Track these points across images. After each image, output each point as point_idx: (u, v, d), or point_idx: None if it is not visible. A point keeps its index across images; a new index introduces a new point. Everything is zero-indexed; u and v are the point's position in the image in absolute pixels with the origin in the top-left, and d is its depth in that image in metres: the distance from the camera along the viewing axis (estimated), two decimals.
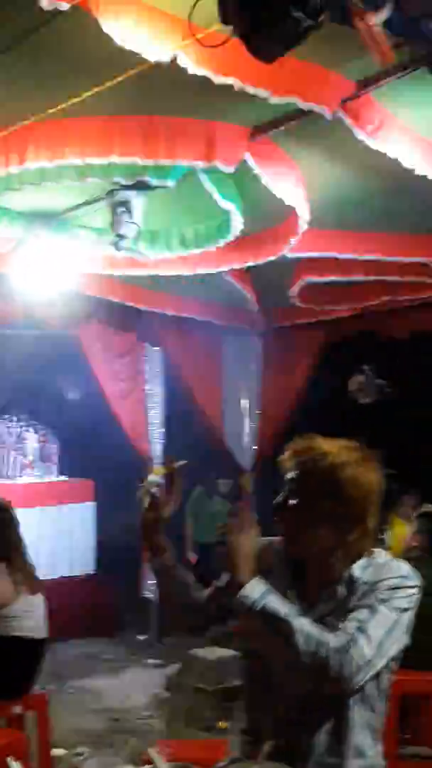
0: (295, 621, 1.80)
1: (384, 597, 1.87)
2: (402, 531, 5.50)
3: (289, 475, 1.96)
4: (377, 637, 1.82)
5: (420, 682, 4.12)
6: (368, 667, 1.79)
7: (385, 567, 1.93)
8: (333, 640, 1.79)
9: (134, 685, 5.84)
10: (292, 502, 1.94)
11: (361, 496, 1.92)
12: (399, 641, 1.89)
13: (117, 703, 5.52)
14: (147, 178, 3.24)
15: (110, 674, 6.16)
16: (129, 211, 3.48)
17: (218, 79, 2.49)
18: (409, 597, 1.92)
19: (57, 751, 4.48)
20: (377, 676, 1.87)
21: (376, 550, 1.97)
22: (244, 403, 7.23)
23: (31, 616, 4.05)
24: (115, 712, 5.34)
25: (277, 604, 1.83)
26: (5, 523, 4.12)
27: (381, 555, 1.96)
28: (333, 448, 1.97)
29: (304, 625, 1.80)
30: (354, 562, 1.92)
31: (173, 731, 4.93)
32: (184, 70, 2.46)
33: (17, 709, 4.00)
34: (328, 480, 1.92)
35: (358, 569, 1.91)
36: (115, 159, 2.94)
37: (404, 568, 1.94)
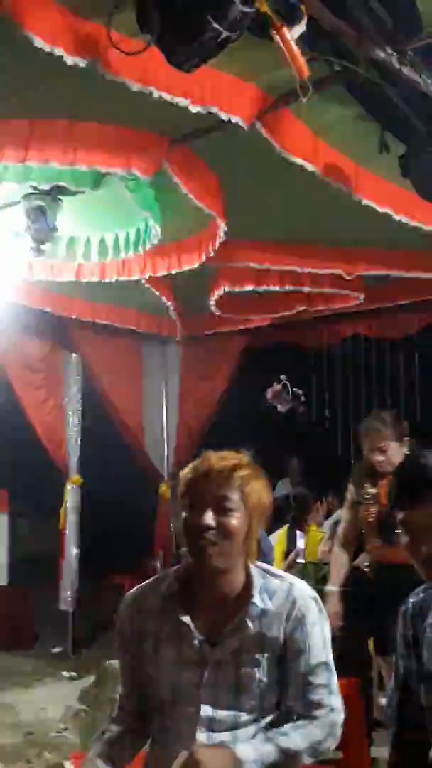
0: (289, 745, 1.87)
1: (317, 636, 1.94)
2: (316, 537, 5.59)
3: (223, 491, 1.92)
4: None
5: (341, 685, 4.17)
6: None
7: (290, 594, 1.94)
8: (319, 727, 1.91)
9: (49, 698, 5.73)
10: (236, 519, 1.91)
11: (261, 509, 1.95)
12: None
13: (32, 716, 5.41)
14: (64, 184, 3.21)
15: (25, 687, 6.03)
16: (46, 216, 3.45)
17: (137, 87, 2.49)
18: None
19: None
20: None
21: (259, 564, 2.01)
22: (164, 411, 7.23)
23: None
24: (30, 726, 5.23)
25: (266, 751, 1.86)
26: None
27: (270, 572, 1.99)
28: (240, 460, 1.98)
29: (296, 743, 1.88)
30: (248, 577, 1.95)
31: (89, 744, 4.86)
32: (103, 77, 2.46)
33: None
34: (242, 494, 1.92)
35: (259, 597, 1.93)
36: (33, 163, 2.91)
37: (306, 590, 1.98)
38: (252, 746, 1.85)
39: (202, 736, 1.91)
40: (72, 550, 6.85)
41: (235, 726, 1.92)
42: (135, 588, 2.11)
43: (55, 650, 6.85)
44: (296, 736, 1.88)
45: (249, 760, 1.81)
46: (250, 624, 1.92)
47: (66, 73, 2.54)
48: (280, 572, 2.04)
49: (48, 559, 7.04)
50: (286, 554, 5.53)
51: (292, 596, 1.95)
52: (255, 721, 1.93)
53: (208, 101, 2.69)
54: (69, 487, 6.83)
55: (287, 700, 1.95)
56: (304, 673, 1.92)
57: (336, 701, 1.94)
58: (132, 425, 7.07)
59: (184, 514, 1.95)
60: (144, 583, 2.10)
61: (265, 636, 1.92)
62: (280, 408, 7.33)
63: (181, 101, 2.63)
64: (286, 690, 1.94)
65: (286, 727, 1.90)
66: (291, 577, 2.01)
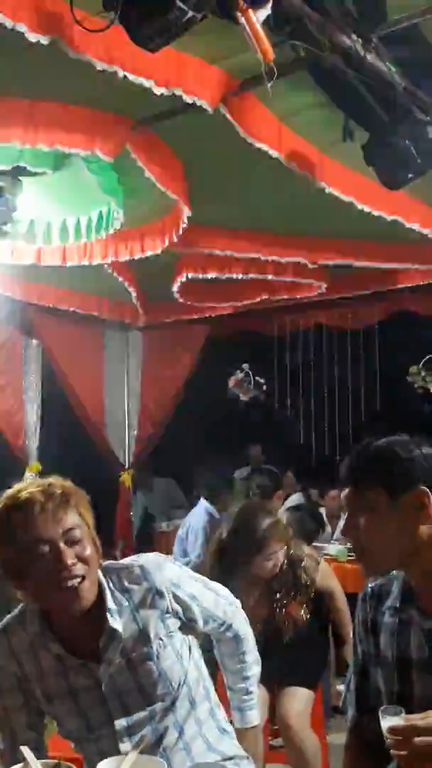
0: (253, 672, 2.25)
1: (184, 579, 2.04)
2: None
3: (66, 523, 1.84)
4: None
5: None
6: None
7: (144, 574, 1.95)
8: (243, 637, 2.25)
9: None
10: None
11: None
12: None
13: None
14: (26, 164, 3.16)
15: None
16: (6, 197, 3.38)
17: (100, 66, 2.45)
18: None
19: None
20: None
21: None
22: (126, 399, 7.19)
23: None
24: None
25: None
26: None
27: (114, 567, 1.98)
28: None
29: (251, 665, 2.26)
30: (99, 586, 1.91)
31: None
32: (66, 56, 2.41)
33: None
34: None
35: (112, 601, 1.92)
36: None
37: (150, 557, 2.03)
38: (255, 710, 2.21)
39: (125, 746, 1.90)
40: None
41: (152, 719, 1.94)
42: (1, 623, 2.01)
43: None
44: (248, 663, 2.22)
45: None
46: (119, 627, 1.89)
47: (28, 51, 2.50)
48: (124, 561, 2.01)
49: None
50: None
51: (146, 573, 1.94)
52: (170, 706, 1.96)
53: (172, 83, 2.66)
54: (28, 474, 6.75)
55: (213, 638, 2.18)
56: (206, 615, 2.05)
57: (229, 595, 2.16)
58: (93, 413, 7.01)
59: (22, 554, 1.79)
60: (9, 616, 2.01)
61: (143, 627, 1.92)
62: (242, 396, 7.34)
63: (145, 82, 2.59)
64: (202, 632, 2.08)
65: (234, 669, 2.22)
66: (137, 559, 2.00)
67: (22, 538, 1.79)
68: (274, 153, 3.08)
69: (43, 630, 1.93)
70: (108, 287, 5.48)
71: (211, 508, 5.97)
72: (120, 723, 1.93)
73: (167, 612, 1.95)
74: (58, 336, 6.54)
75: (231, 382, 7.46)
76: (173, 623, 1.97)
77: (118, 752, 1.91)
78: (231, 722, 2.22)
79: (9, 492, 1.87)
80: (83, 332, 6.67)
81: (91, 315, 6.27)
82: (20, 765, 1.85)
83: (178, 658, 1.97)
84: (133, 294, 5.46)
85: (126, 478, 7.25)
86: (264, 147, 3.05)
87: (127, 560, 2.02)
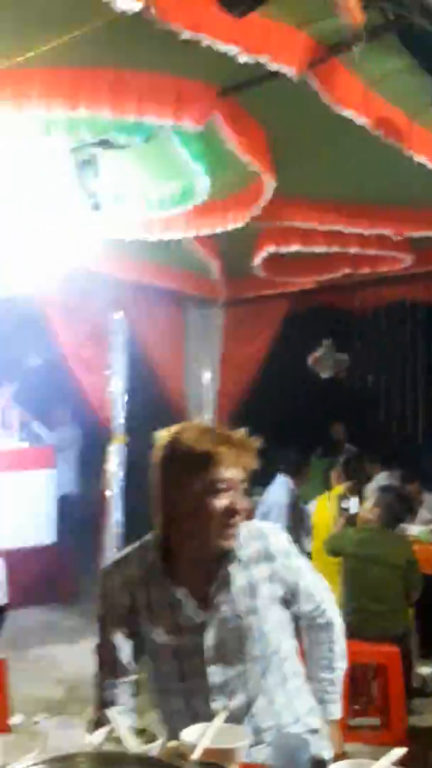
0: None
1: (296, 556, 2.18)
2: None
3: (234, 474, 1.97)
4: None
5: (368, 652, 4.18)
6: None
7: (260, 534, 2.12)
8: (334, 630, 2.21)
9: (91, 655, 5.82)
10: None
11: None
12: None
13: (75, 671, 5.51)
14: (113, 136, 3.17)
15: (68, 642, 6.15)
16: (94, 170, 3.41)
17: (186, 34, 2.43)
18: None
19: (15, 719, 4.47)
20: None
21: None
22: (206, 373, 7.21)
23: None
24: (74, 681, 5.33)
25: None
26: None
27: None
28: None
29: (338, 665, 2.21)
30: None
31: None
32: (152, 24, 2.40)
33: None
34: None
35: (238, 549, 2.10)
36: (82, 114, 2.87)
37: (266, 524, 2.19)
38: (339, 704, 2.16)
39: (216, 705, 1.94)
40: (116, 510, 6.91)
41: (245, 682, 1.99)
42: (113, 561, 2.14)
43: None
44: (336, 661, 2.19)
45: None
46: (234, 576, 1.99)
47: (115, 22, 2.49)
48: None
49: (95, 518, 7.11)
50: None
51: (263, 534, 2.06)
52: (263, 672, 2.01)
53: (258, 50, 2.61)
54: (113, 447, 6.87)
55: (300, 620, 2.15)
56: (307, 594, 2.10)
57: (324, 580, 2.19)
58: (174, 388, 7.07)
59: (198, 494, 1.95)
60: (122, 555, 2.13)
61: (253, 582, 2.01)
62: (322, 373, 7.27)
63: (231, 50, 2.56)
64: (299, 615, 2.12)
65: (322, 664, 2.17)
66: (250, 523, 2.10)
67: (211, 474, 1.93)
68: (360, 120, 3.01)
69: (159, 567, 2.03)
70: (190, 262, 5.48)
71: (290, 482, 5.96)
72: (213, 674, 1.97)
73: (274, 577, 2.03)
74: (141, 311, 6.60)
75: (311, 359, 7.39)
76: (277, 589, 2.04)
77: (208, 710, 1.96)
78: None
79: (202, 426, 2.07)
80: (166, 307, 6.71)
81: (174, 290, 6.29)
82: (106, 728, 1.89)
83: (278, 625, 2.04)
84: (215, 268, 5.45)
85: None
86: (350, 114, 2.98)
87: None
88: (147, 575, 2.03)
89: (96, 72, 2.87)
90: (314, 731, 2.11)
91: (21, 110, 2.87)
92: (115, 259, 5.58)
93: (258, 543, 2.04)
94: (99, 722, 2.01)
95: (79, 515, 7.83)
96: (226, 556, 2.00)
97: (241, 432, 2.01)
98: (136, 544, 2.13)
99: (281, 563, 2.04)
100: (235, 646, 1.99)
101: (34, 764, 1.40)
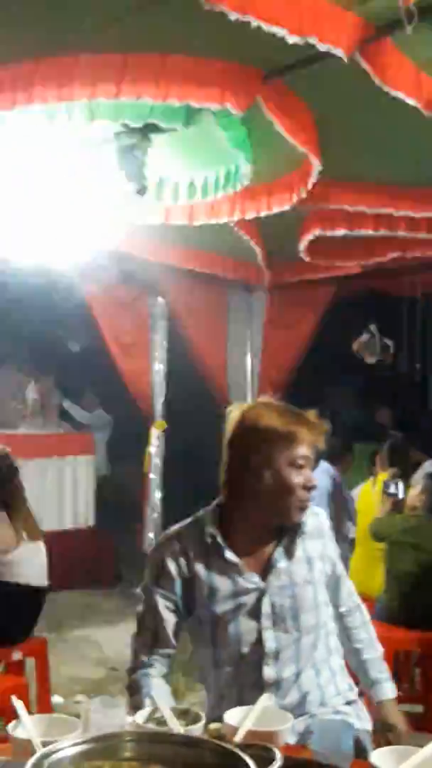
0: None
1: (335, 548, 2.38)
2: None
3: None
4: None
5: (411, 639, 4.15)
6: None
7: (316, 516, 2.29)
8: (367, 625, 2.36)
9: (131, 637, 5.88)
10: None
11: None
12: None
13: (115, 653, 5.56)
14: (156, 121, 3.15)
15: (108, 625, 6.22)
16: (137, 155, 3.40)
17: (233, 15, 2.40)
18: None
19: (56, 699, 4.53)
20: None
21: None
22: (248, 359, 7.19)
23: (32, 563, 4.07)
24: (113, 662, 5.39)
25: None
26: (5, 470, 4.14)
27: None
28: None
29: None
30: None
31: (169, 682, 4.98)
32: (198, 6, 2.37)
33: (17, 655, 4.03)
34: None
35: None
36: (126, 99, 2.86)
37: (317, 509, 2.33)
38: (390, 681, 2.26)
39: (268, 671, 2.01)
40: (156, 494, 6.95)
41: (298, 651, 2.09)
42: (173, 529, 2.21)
43: (137, 590, 6.99)
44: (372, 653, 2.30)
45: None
46: (294, 546, 2.13)
47: (160, 5, 2.48)
48: None
49: (134, 503, 7.16)
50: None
51: (318, 515, 2.23)
52: (313, 644, 2.11)
53: (307, 31, 2.56)
54: (153, 431, 6.90)
55: (340, 607, 2.26)
56: (343, 582, 2.26)
57: None
58: (216, 372, 7.06)
59: (281, 469, 2.08)
60: (178, 527, 2.21)
61: (310, 555, 2.14)
62: (367, 359, 7.19)
63: (279, 31, 2.52)
64: (337, 599, 2.24)
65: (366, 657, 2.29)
66: None
67: (293, 451, 2.09)
68: (411, 101, 2.95)
69: (219, 536, 2.13)
70: (233, 246, 5.45)
71: (332, 470, 5.92)
72: (268, 640, 2.05)
73: (324, 554, 2.19)
74: (183, 296, 6.60)
75: (355, 345, 7.32)
76: (326, 567, 2.19)
77: (259, 679, 2.06)
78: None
79: (280, 405, 2.19)
80: (208, 292, 6.69)
81: (216, 275, 6.27)
82: (148, 709, 1.90)
83: (325, 600, 2.16)
84: (259, 253, 5.41)
85: None
86: (401, 95, 2.92)
87: None
88: (204, 545, 2.13)
89: (140, 56, 2.85)
90: (353, 702, 2.22)
91: (66, 96, 2.87)
92: (158, 244, 5.58)
93: (314, 520, 2.19)
94: (132, 688, 2.17)
95: (116, 499, 7.90)
96: (291, 528, 2.13)
97: (313, 413, 2.16)
98: (191, 518, 2.22)
99: (329, 544, 2.21)
100: (291, 614, 2.09)
101: (79, 743, 1.41)
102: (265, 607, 2.08)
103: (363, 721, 2.20)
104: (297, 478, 2.09)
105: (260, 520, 2.14)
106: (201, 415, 7.29)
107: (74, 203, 4.29)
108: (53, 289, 6.60)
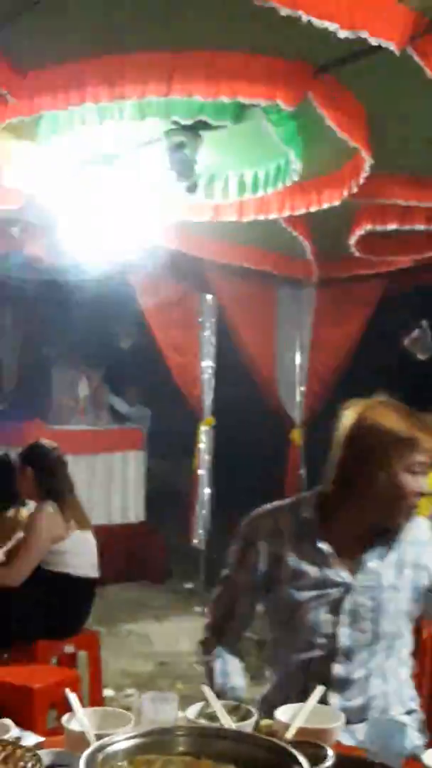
0: None
1: None
2: None
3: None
4: None
5: None
6: None
7: (419, 524, 2.28)
8: None
9: (181, 632, 5.93)
10: None
11: None
12: None
13: (165, 647, 5.61)
14: (206, 118, 3.16)
15: (158, 620, 6.27)
16: (187, 153, 3.41)
17: (284, 11, 2.39)
18: None
19: (107, 692, 4.59)
20: None
21: None
22: (297, 355, 7.16)
23: (82, 553, 4.14)
24: (163, 657, 5.43)
25: None
26: (53, 463, 4.21)
27: None
28: None
29: None
30: None
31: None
32: (248, 2, 2.37)
33: (70, 648, 4.08)
34: None
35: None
36: (176, 96, 2.87)
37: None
38: None
39: (337, 668, 2.00)
40: (205, 490, 6.97)
41: (370, 655, 2.07)
42: (268, 506, 2.20)
43: (187, 586, 7.04)
44: None
45: None
46: (390, 550, 2.11)
47: (210, 2, 2.48)
48: None
49: (182, 499, 7.20)
50: None
51: (418, 523, 2.17)
52: (385, 651, 2.09)
53: (358, 25, 2.54)
54: (202, 428, 6.92)
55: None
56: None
57: None
58: (265, 369, 7.05)
59: (397, 474, 2.07)
60: (273, 506, 2.19)
61: (402, 558, 2.11)
62: (419, 355, 7.11)
63: (330, 26, 2.50)
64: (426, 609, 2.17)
65: None
66: None
67: (411, 457, 2.08)
68: None
69: (315, 522, 2.13)
70: (282, 242, 5.43)
71: None
72: (343, 636, 2.04)
73: (419, 563, 2.15)
74: (232, 292, 6.60)
75: (406, 341, 7.25)
76: (420, 576, 2.15)
77: (327, 673, 2.05)
78: None
79: (400, 408, 2.17)
80: (257, 288, 6.68)
81: (265, 271, 6.25)
82: (200, 704, 1.92)
83: (407, 612, 2.13)
84: (308, 249, 5.38)
85: (296, 435, 7.26)
86: None
87: None
88: (298, 528, 2.13)
89: (190, 54, 2.86)
90: (413, 711, 2.18)
91: (117, 95, 2.89)
92: (207, 241, 5.59)
93: (413, 526, 2.16)
94: (204, 643, 2.25)
95: (163, 494, 7.95)
96: (390, 530, 2.13)
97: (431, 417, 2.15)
98: (289, 499, 2.25)
99: (426, 553, 2.16)
100: (371, 616, 2.07)
101: (133, 737, 1.42)
102: (347, 604, 2.08)
103: (420, 732, 2.17)
104: (411, 485, 2.08)
105: (363, 518, 2.15)
106: (250, 411, 7.31)
107: (125, 202, 4.32)
108: (104, 287, 6.65)
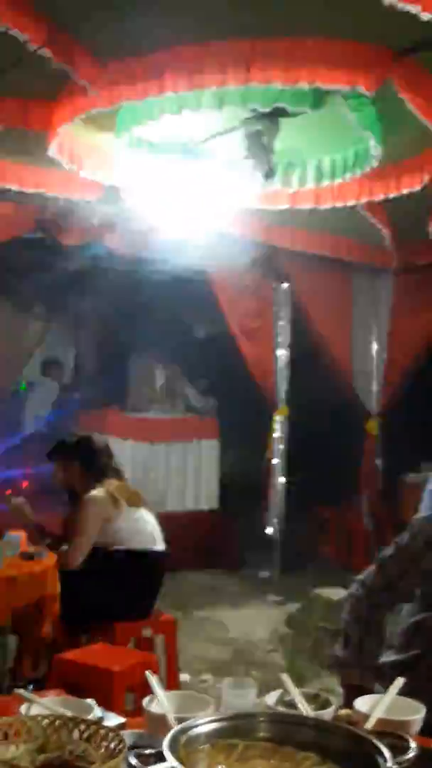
0: None
1: None
2: None
3: None
4: None
5: None
6: None
7: None
8: None
9: (256, 620, 5.95)
10: None
11: None
12: None
13: (239, 635, 5.64)
14: (284, 105, 3.14)
15: (233, 607, 6.30)
16: (265, 141, 3.40)
17: None
18: None
19: (183, 676, 4.64)
20: None
21: None
22: (373, 345, 7.07)
23: (139, 528, 4.20)
24: (239, 644, 5.46)
25: None
26: (95, 448, 4.29)
27: None
28: None
29: None
30: None
31: (296, 667, 5.00)
32: None
33: (147, 632, 4.14)
34: None
35: None
36: (255, 84, 2.86)
37: None
38: None
39: None
40: (279, 480, 6.97)
41: None
42: None
43: (262, 574, 7.05)
44: None
45: None
46: None
47: None
48: None
49: (255, 488, 7.21)
50: None
51: None
52: None
53: None
54: (276, 417, 6.91)
55: None
56: None
57: None
58: (341, 359, 6.99)
59: None
60: None
61: None
62: None
63: (412, 8, 2.46)
64: None
65: None
66: None
67: None
68: None
69: None
70: (359, 229, 5.37)
71: None
72: None
73: None
74: (307, 280, 6.56)
75: None
76: None
77: None
78: None
79: None
80: (333, 276, 6.62)
81: (342, 258, 6.19)
82: (278, 691, 1.92)
83: None
84: (386, 235, 5.31)
85: (372, 426, 7.18)
86: None
87: None
88: None
89: (269, 41, 2.84)
90: None
91: (196, 84, 2.90)
92: (283, 229, 5.56)
93: None
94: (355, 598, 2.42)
95: (236, 483, 7.97)
96: None
97: None
98: None
99: None
100: None
101: (215, 720, 1.44)
102: None
103: None
104: None
105: None
106: (325, 401, 7.25)
107: (202, 192, 4.34)
108: (181, 276, 6.69)
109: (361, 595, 2.48)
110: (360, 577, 2.53)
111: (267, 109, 3.29)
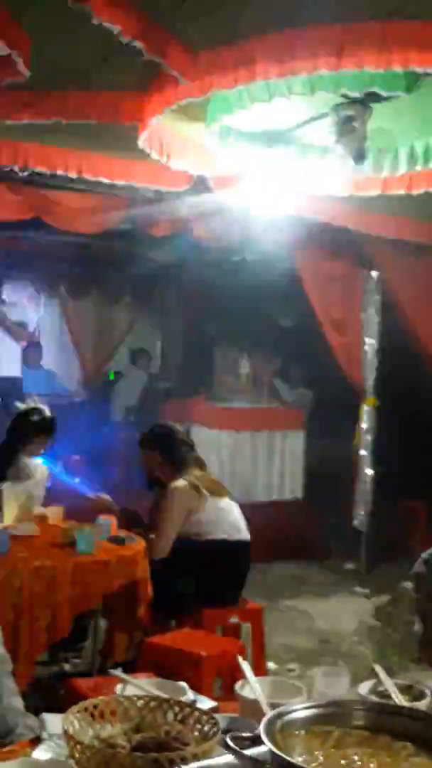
0: None
1: None
2: None
3: None
4: None
5: None
6: None
7: None
8: None
9: (343, 611, 5.91)
10: None
11: None
12: None
13: (326, 625, 5.62)
14: (377, 89, 3.09)
15: (319, 598, 6.28)
16: (356, 126, 3.35)
17: None
18: None
19: (269, 665, 4.66)
20: None
21: None
22: None
23: (223, 519, 4.24)
24: (325, 635, 5.45)
25: None
26: (175, 437, 4.35)
27: None
28: None
29: None
30: None
31: (384, 660, 4.96)
32: None
33: (234, 619, 4.17)
34: None
35: None
36: (346, 69, 2.82)
37: None
38: None
39: None
40: (366, 471, 6.89)
41: None
42: None
43: (348, 566, 7.00)
44: None
45: None
46: None
47: None
48: None
49: (343, 478, 7.15)
50: None
51: None
52: None
53: None
54: (365, 408, 6.83)
55: None
56: None
57: None
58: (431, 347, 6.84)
59: None
60: None
61: None
62: None
63: None
64: None
65: None
66: None
67: None
68: None
69: None
70: None
71: None
72: None
73: None
74: (397, 268, 6.44)
75: None
76: None
77: None
78: None
79: None
80: (424, 264, 6.48)
81: None
82: (371, 681, 1.91)
83: None
84: None
85: None
86: None
87: None
88: None
89: (360, 25, 2.79)
90: None
91: (287, 71, 2.88)
92: (372, 215, 5.48)
93: None
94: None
95: (322, 474, 7.93)
96: None
97: None
98: None
99: None
100: None
101: (310, 707, 1.44)
102: None
103: None
104: None
105: None
106: (416, 392, 7.12)
107: (292, 179, 4.31)
108: (267, 266, 6.69)
109: (425, 572, 2.52)
110: (424, 555, 2.57)
111: (359, 94, 3.24)
